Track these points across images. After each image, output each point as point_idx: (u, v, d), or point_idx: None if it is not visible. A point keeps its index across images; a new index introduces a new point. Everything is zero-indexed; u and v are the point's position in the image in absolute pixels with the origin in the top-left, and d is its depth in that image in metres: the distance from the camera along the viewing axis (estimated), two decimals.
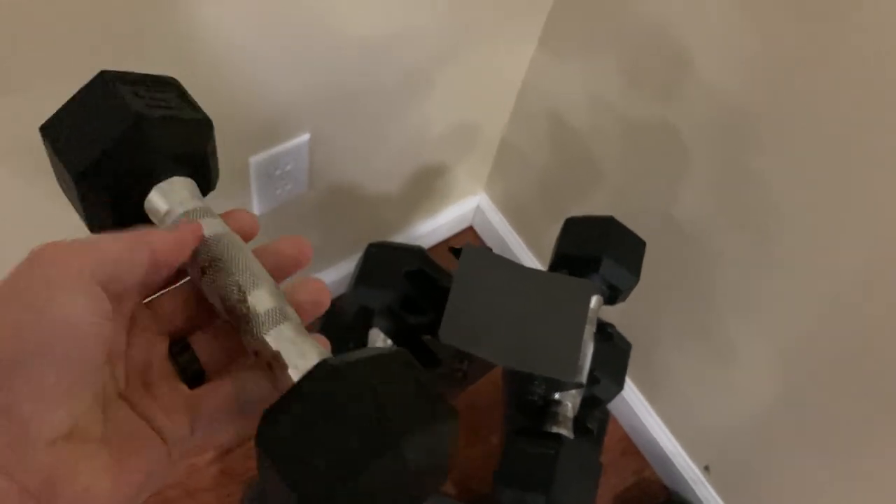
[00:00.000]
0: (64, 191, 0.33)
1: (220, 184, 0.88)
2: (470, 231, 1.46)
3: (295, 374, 0.28)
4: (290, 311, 0.30)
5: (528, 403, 0.69)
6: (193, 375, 0.32)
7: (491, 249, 0.66)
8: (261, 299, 0.29)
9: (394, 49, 0.88)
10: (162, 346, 0.31)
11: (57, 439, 0.24)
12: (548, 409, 0.68)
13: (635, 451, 1.30)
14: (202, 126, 0.33)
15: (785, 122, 0.80)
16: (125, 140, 0.30)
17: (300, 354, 0.28)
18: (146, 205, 0.32)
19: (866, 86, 0.70)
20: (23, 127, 0.66)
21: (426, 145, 1.13)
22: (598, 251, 0.70)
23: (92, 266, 0.26)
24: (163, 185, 0.31)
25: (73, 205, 0.32)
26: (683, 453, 1.22)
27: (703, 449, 1.19)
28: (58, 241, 0.26)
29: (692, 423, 1.19)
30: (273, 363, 0.29)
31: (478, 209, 1.41)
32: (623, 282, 0.70)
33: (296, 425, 0.25)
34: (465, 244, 0.65)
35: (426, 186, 1.24)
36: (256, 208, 0.96)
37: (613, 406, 1.29)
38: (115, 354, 0.29)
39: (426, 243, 1.38)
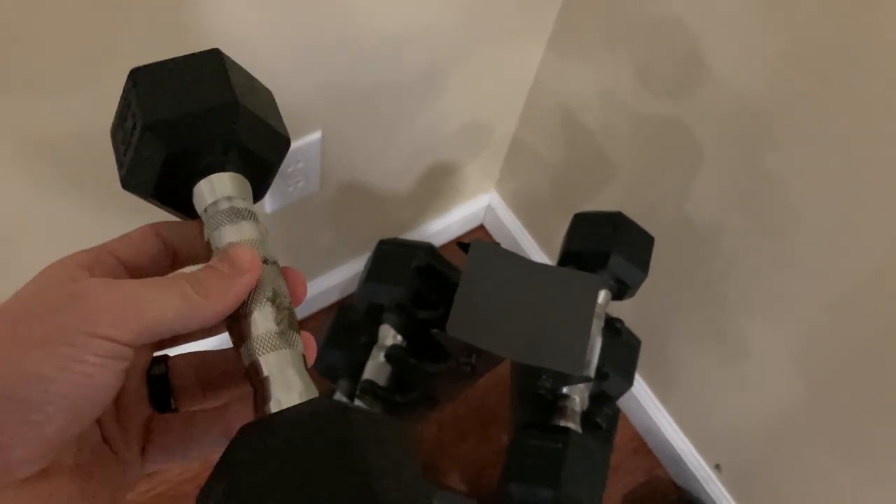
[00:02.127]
0: (115, 141, 0.31)
1: None
2: (481, 230, 1.46)
3: (275, 409, 0.27)
4: (298, 341, 0.29)
5: (535, 397, 0.69)
6: (163, 403, 0.31)
7: (499, 244, 0.67)
8: (275, 318, 0.28)
9: (406, 47, 0.89)
10: (143, 359, 0.30)
11: (38, 477, 0.24)
12: (556, 404, 0.68)
13: (647, 449, 1.30)
14: (283, 142, 0.33)
15: (800, 119, 0.79)
16: (218, 115, 0.29)
17: (287, 389, 0.27)
18: (198, 187, 0.30)
19: (885, 82, 0.70)
20: (38, 127, 0.67)
21: (438, 144, 1.14)
22: (605, 246, 0.70)
23: (135, 327, 0.25)
24: (226, 175, 0.30)
25: (119, 157, 0.31)
26: (695, 452, 1.21)
27: (715, 448, 1.18)
28: (103, 284, 0.25)
29: (704, 422, 1.19)
30: (258, 387, 0.27)
31: (489, 207, 1.42)
32: (631, 277, 0.70)
33: (256, 469, 0.24)
34: (474, 239, 0.66)
35: (437, 185, 1.25)
36: (268, 205, 0.97)
37: (625, 404, 1.29)
38: None
39: (437, 242, 1.39)
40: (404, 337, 0.78)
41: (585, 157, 1.14)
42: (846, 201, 0.79)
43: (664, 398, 1.24)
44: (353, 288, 1.30)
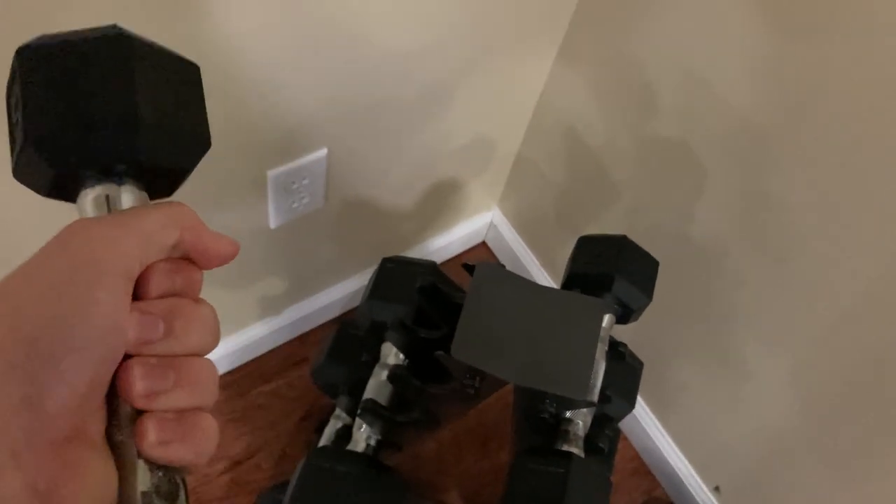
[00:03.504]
0: (7, 110, 0.28)
1: (238, 195, 0.90)
2: (483, 247, 1.46)
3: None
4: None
5: (538, 421, 0.69)
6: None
7: (504, 266, 0.67)
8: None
9: (413, 65, 0.89)
10: None
11: (68, 440, 0.23)
12: (559, 428, 0.68)
13: (646, 470, 1.29)
14: (198, 144, 0.29)
15: (802, 140, 0.80)
16: (115, 132, 0.26)
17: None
18: (84, 198, 0.28)
19: (884, 102, 0.70)
20: None
21: (442, 161, 1.14)
22: (610, 270, 0.70)
23: (132, 255, 0.25)
24: (119, 189, 0.28)
25: (10, 135, 0.27)
26: (694, 474, 1.21)
27: (714, 469, 1.18)
28: (94, 223, 0.25)
29: (703, 444, 1.18)
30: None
31: (491, 225, 1.42)
32: (635, 301, 0.71)
33: None
34: (479, 261, 0.66)
35: (441, 202, 1.25)
36: (273, 221, 0.97)
37: (625, 425, 1.28)
38: None
39: (439, 258, 1.39)
40: (406, 355, 0.78)
41: (588, 177, 1.14)
42: (849, 223, 0.79)
43: (664, 419, 1.23)
44: (354, 303, 1.30)
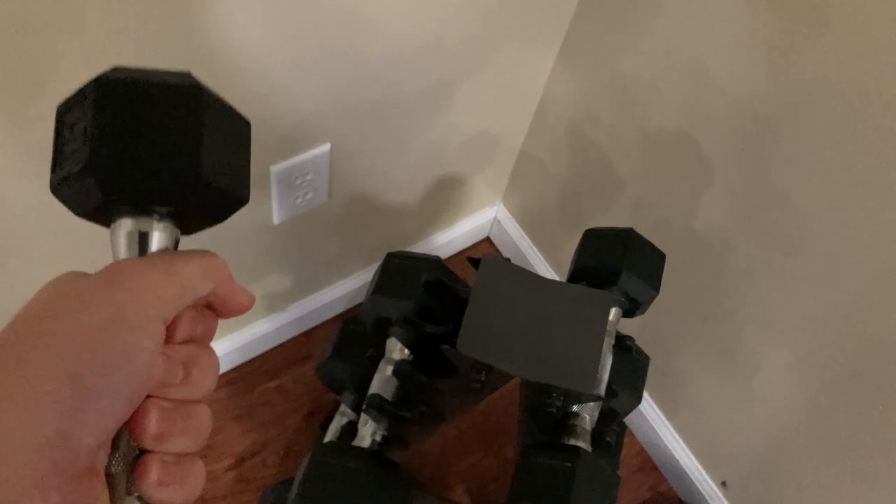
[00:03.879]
0: (59, 128, 0.28)
1: None
2: (487, 242, 1.46)
3: None
4: None
5: (545, 415, 0.69)
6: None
7: (509, 260, 0.66)
8: None
9: (416, 60, 0.89)
10: None
11: (86, 473, 0.24)
12: (565, 422, 0.68)
13: (652, 465, 1.29)
14: (235, 203, 0.30)
15: (808, 132, 0.79)
16: (172, 183, 0.27)
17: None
18: (119, 227, 0.29)
19: (890, 93, 0.70)
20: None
21: (445, 156, 1.14)
22: (617, 263, 0.70)
23: (173, 302, 0.26)
24: (155, 226, 0.29)
25: (56, 151, 0.28)
26: (700, 469, 1.21)
27: (721, 465, 1.18)
28: (140, 266, 0.26)
29: (710, 439, 1.18)
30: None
31: (495, 220, 1.41)
32: (642, 294, 0.70)
33: None
34: (484, 255, 0.65)
35: (445, 197, 1.25)
36: (276, 216, 0.96)
37: (630, 420, 1.28)
38: None
39: (444, 254, 1.38)
40: (411, 351, 0.77)
41: (592, 171, 1.14)
42: (856, 216, 0.79)
43: (670, 414, 1.23)
44: (359, 299, 1.29)
